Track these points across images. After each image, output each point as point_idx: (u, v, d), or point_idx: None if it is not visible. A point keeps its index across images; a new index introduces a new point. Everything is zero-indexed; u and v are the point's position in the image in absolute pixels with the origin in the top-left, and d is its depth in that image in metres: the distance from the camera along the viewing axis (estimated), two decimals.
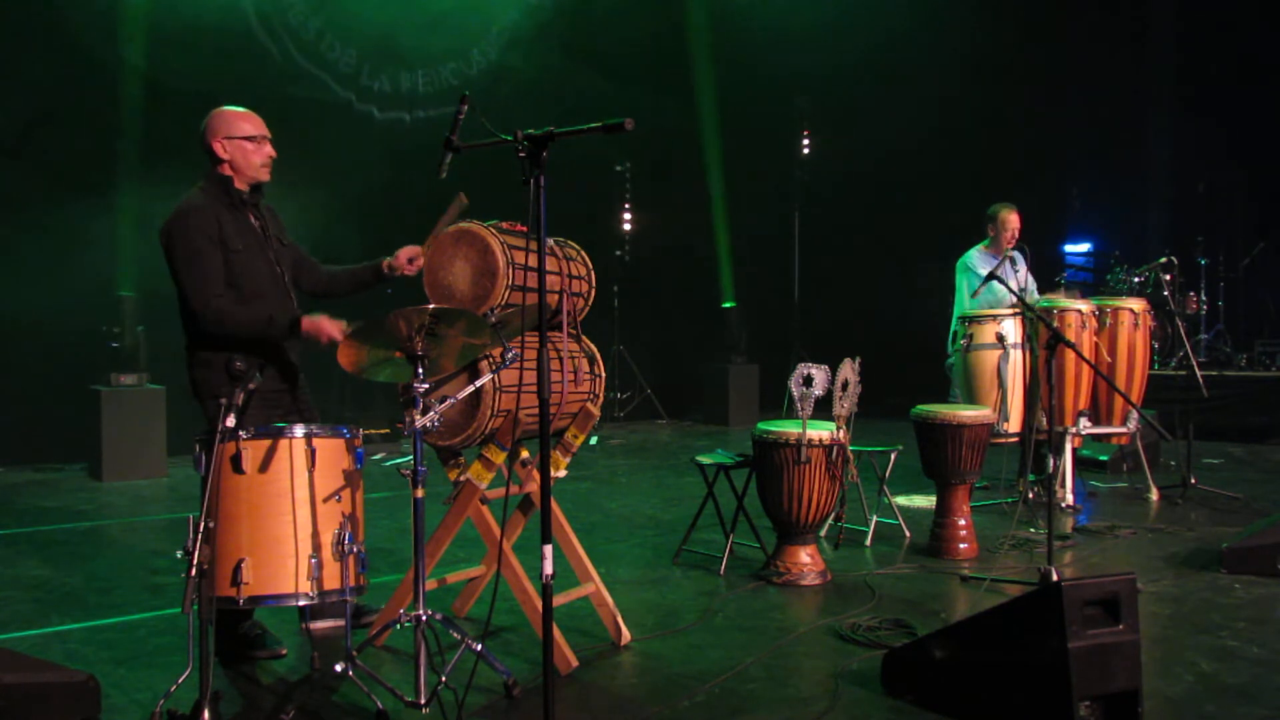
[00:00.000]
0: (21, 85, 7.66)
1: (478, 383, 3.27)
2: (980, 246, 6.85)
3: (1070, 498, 6.00)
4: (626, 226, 11.85)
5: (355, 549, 3.01)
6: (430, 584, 3.35)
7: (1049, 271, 7.21)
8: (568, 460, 3.77)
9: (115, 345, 7.48)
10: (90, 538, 5.62)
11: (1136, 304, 6.42)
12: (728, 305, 11.64)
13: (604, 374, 3.87)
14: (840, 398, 4.42)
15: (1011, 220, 6.68)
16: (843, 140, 12.11)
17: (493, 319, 3.27)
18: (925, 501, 6.12)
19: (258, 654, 3.53)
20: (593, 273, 3.88)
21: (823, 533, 5.38)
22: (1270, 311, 11.52)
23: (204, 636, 2.67)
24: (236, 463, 2.91)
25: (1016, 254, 6.56)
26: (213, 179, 3.57)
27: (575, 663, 3.42)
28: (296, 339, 3.54)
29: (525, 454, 3.67)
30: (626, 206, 11.82)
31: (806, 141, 12.56)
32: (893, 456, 5.36)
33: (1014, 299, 5.36)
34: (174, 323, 3.58)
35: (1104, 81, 12.80)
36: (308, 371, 3.79)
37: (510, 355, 3.14)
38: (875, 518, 5.36)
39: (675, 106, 11.32)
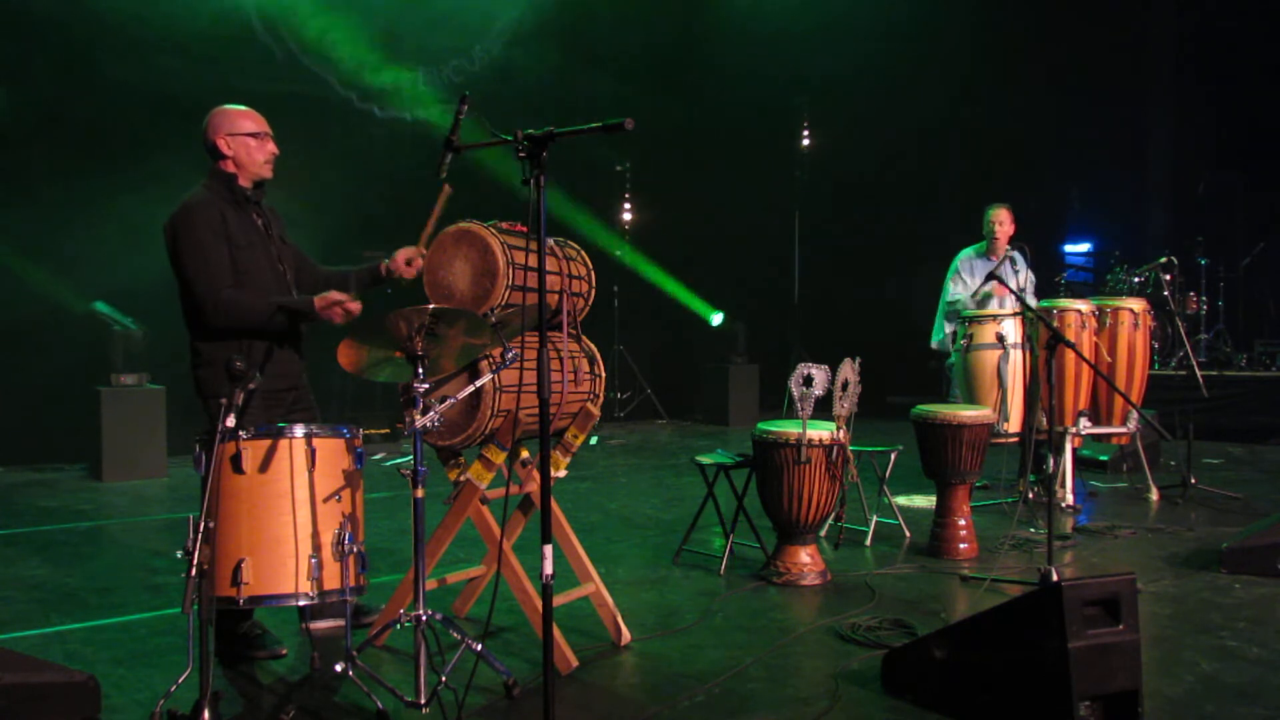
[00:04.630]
0: (20, 87, 7.67)
1: (478, 383, 3.27)
2: (975, 247, 6.91)
3: (1070, 498, 6.00)
4: (627, 226, 11.85)
5: (355, 549, 3.01)
6: (430, 584, 3.34)
7: (1049, 271, 7.23)
8: (568, 460, 3.77)
9: (119, 328, 7.45)
10: (90, 538, 5.62)
11: (1136, 304, 6.42)
12: (719, 317, 11.66)
13: (604, 374, 3.87)
14: (840, 398, 4.42)
15: (999, 217, 6.76)
16: (843, 140, 12.12)
17: (493, 319, 3.27)
18: (925, 501, 6.12)
19: (258, 654, 3.53)
20: (593, 273, 3.88)
21: (823, 533, 5.38)
22: (1270, 311, 11.53)
23: (204, 636, 2.67)
24: (236, 463, 2.91)
25: (1016, 254, 6.59)
26: (216, 176, 3.58)
27: (575, 663, 3.42)
28: (307, 321, 3.53)
29: (525, 454, 3.67)
30: (626, 206, 11.82)
31: (807, 141, 12.57)
32: (893, 456, 5.36)
33: (1013, 300, 5.37)
34: (174, 322, 3.58)
35: (1104, 81, 12.80)
36: (308, 371, 3.79)
37: (510, 355, 3.14)
38: (875, 518, 5.36)
39: (676, 106, 11.32)
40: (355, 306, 3.46)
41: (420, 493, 3.08)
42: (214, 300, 3.42)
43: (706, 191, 11.87)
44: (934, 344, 7.07)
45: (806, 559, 4.51)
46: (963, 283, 6.81)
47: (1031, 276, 6.86)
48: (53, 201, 7.80)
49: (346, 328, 3.06)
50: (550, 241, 3.54)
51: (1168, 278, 8.95)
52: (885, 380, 9.97)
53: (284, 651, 3.57)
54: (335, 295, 3.46)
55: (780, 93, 12.19)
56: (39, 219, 7.75)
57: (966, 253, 6.94)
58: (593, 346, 3.85)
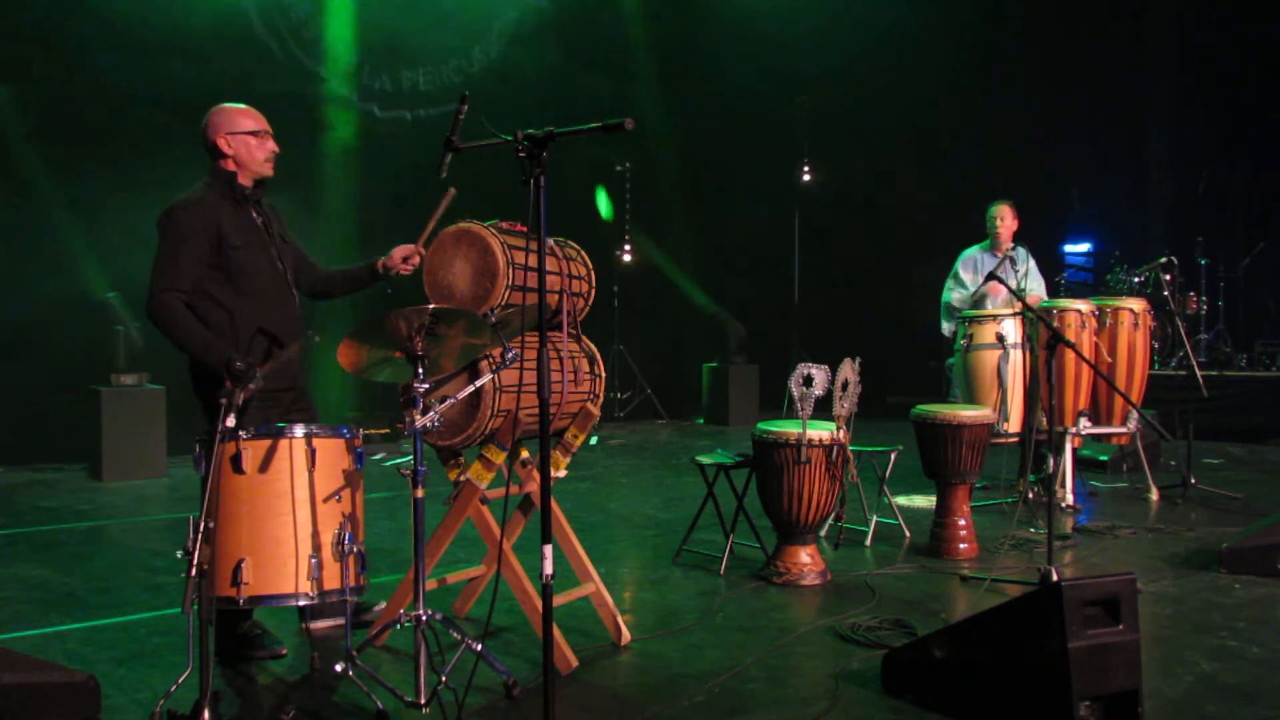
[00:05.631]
0: (20, 86, 7.68)
1: (478, 383, 3.27)
2: (980, 245, 6.91)
3: (1070, 498, 5.99)
4: (626, 226, 11.84)
5: (355, 549, 3.01)
6: (430, 584, 3.35)
7: (1049, 272, 7.24)
8: (568, 460, 3.77)
9: (120, 328, 7.46)
10: (90, 538, 5.62)
11: (1136, 304, 6.42)
12: (711, 310, 11.65)
13: (604, 374, 3.87)
14: (840, 398, 4.42)
15: (1000, 213, 6.77)
16: (843, 140, 12.12)
17: (493, 319, 3.28)
18: (925, 501, 6.12)
19: (258, 654, 3.53)
20: (593, 273, 3.88)
21: (823, 533, 5.38)
22: (1270, 311, 11.52)
23: (204, 636, 2.67)
24: (236, 463, 2.91)
25: (1017, 254, 6.59)
26: (216, 175, 3.58)
27: (575, 663, 3.42)
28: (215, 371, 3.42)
29: (525, 454, 3.67)
30: (627, 207, 11.82)
31: (806, 141, 12.56)
32: (893, 456, 5.36)
33: (1012, 299, 5.38)
34: None
35: (1104, 81, 12.80)
36: (308, 371, 3.78)
37: (510, 355, 3.14)
38: (875, 518, 5.36)
39: (676, 106, 11.33)
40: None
41: (420, 493, 3.08)
42: (154, 298, 3.39)
43: (706, 191, 11.87)
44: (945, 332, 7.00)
45: (806, 559, 4.51)
46: (959, 281, 6.82)
47: (1040, 281, 6.86)
48: (53, 201, 7.79)
49: (346, 327, 3.06)
50: (550, 241, 3.54)
51: (1168, 278, 8.94)
52: (885, 380, 9.99)
53: (284, 651, 3.57)
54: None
55: (780, 92, 12.18)
56: (39, 219, 7.75)
57: (970, 251, 6.94)
58: (593, 346, 3.85)
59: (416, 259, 3.59)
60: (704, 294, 11.80)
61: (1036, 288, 6.81)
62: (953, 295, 6.85)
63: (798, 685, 3.28)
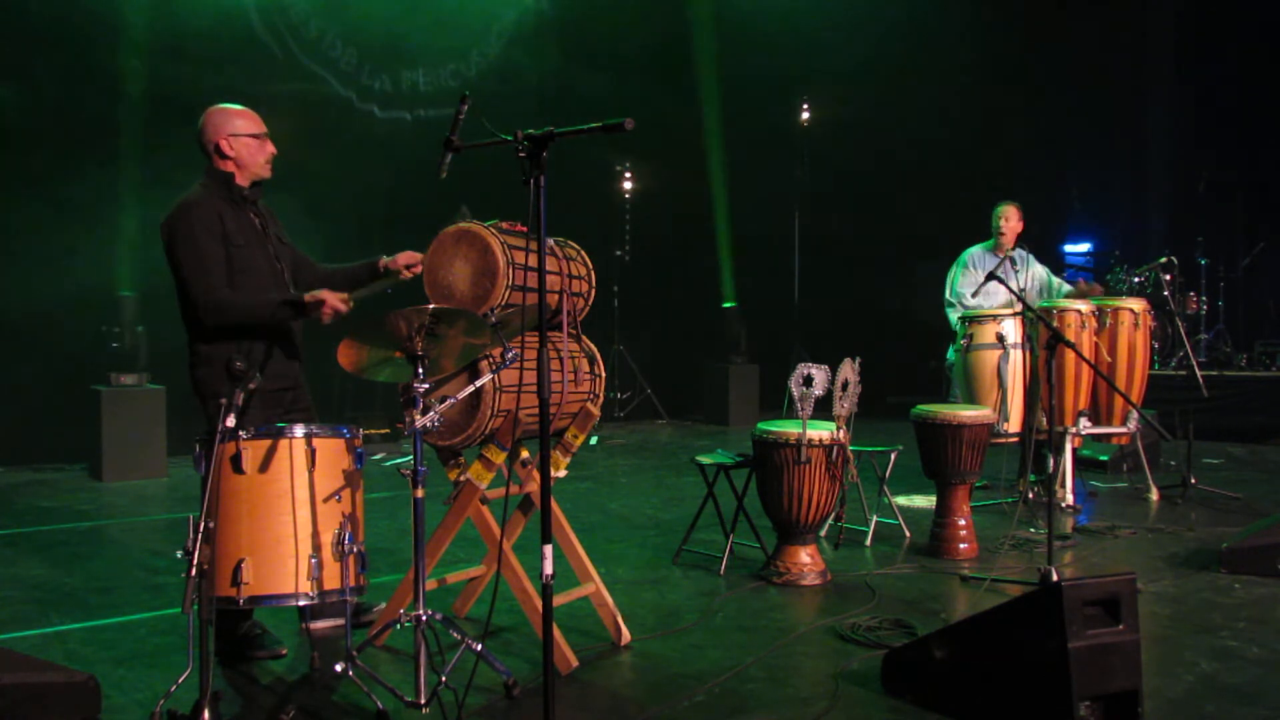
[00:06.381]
0: (21, 87, 7.68)
1: (478, 383, 3.27)
2: (983, 245, 6.89)
3: (1070, 498, 5.99)
4: (626, 226, 11.85)
5: (355, 549, 3.01)
6: (430, 584, 3.35)
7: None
8: (568, 460, 3.77)
9: (116, 346, 7.49)
10: (90, 538, 5.62)
11: (1136, 304, 6.42)
12: (728, 305, 11.64)
13: (604, 374, 3.87)
14: (840, 398, 4.42)
15: (1005, 214, 6.75)
16: (843, 139, 12.12)
17: (493, 319, 3.28)
18: (925, 501, 6.12)
19: (258, 654, 3.53)
20: (593, 273, 3.88)
21: (823, 533, 5.38)
22: (1270, 311, 11.52)
23: (204, 636, 2.67)
24: (236, 463, 2.91)
25: (1018, 255, 6.59)
26: (213, 176, 3.58)
27: (575, 663, 3.42)
28: (301, 318, 3.53)
29: (525, 454, 3.67)
30: (627, 208, 11.82)
31: (807, 140, 12.57)
32: (893, 456, 5.36)
33: (1015, 300, 5.37)
34: (174, 322, 3.59)
35: (1104, 81, 12.80)
36: (308, 371, 3.79)
37: (510, 355, 3.14)
38: (875, 518, 5.36)
39: (676, 106, 11.32)
40: (342, 306, 3.44)
41: (420, 493, 3.08)
42: (208, 301, 3.42)
43: (706, 191, 11.87)
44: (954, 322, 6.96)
45: (806, 559, 4.51)
46: (971, 275, 6.77)
47: (1040, 272, 6.83)
48: (52, 201, 7.79)
49: (346, 328, 3.06)
50: (550, 241, 3.54)
51: (1168, 278, 8.94)
52: (885, 380, 10.00)
53: (284, 651, 3.57)
54: (324, 293, 3.46)
55: (780, 92, 12.19)
56: (38, 219, 7.74)
57: (973, 250, 6.92)
58: (593, 346, 3.85)
59: (419, 268, 3.59)
60: (732, 286, 11.76)
61: (1045, 278, 6.79)
62: (956, 287, 6.80)
63: (798, 685, 3.28)
